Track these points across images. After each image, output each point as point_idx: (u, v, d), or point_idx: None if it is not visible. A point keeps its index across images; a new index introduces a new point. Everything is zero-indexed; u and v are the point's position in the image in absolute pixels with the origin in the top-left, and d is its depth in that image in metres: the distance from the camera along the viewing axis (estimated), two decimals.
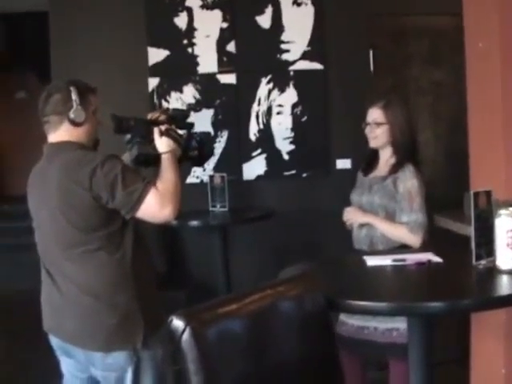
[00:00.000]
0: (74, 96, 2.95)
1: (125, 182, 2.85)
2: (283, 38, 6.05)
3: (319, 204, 6.02)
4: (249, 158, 6.10)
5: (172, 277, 6.02)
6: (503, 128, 3.67)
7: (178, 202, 2.96)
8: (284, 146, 6.09)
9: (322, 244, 5.86)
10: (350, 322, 3.66)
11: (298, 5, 6.02)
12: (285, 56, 6.05)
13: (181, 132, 3.25)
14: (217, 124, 6.05)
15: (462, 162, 4.18)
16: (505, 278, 2.79)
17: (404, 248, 3.62)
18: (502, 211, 2.84)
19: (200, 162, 3.47)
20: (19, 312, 6.42)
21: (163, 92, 6.04)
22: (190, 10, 6.03)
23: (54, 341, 3.09)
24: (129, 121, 3.15)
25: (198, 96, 6.06)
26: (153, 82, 6.04)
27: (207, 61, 6.05)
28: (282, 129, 6.07)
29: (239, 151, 6.10)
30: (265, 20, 6.05)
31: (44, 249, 3.06)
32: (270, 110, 6.08)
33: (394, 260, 3.09)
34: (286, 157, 6.09)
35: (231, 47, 6.05)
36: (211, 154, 3.59)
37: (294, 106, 6.08)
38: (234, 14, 6.04)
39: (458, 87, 5.05)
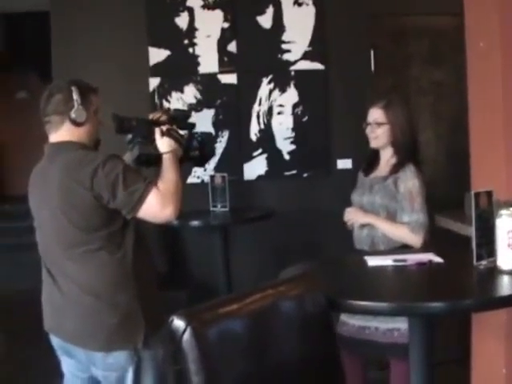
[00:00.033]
0: (75, 96, 2.95)
1: (126, 181, 2.85)
2: (284, 38, 6.04)
3: (320, 204, 6.02)
4: (249, 157, 6.10)
5: (173, 277, 6.02)
6: (504, 128, 3.66)
7: (179, 202, 2.96)
8: (285, 146, 6.09)
9: (323, 244, 5.86)
10: (350, 322, 3.66)
11: (299, 5, 6.02)
12: (286, 56, 6.05)
13: (182, 132, 3.25)
14: (218, 124, 6.05)
15: (463, 162, 4.18)
16: (506, 279, 2.79)
17: (405, 248, 3.62)
18: (503, 211, 2.84)
19: (201, 162, 3.47)
20: (20, 312, 6.43)
21: (164, 92, 6.04)
22: (191, 10, 6.03)
23: (55, 340, 3.09)
24: (130, 121, 3.15)
25: (198, 96, 6.06)
26: (154, 82, 6.04)
27: (208, 61, 6.05)
28: (283, 129, 6.07)
29: (240, 151, 6.10)
30: (266, 20, 6.05)
31: (45, 248, 3.06)
32: (270, 109, 6.08)
33: (395, 260, 3.09)
34: (286, 157, 6.09)
35: (232, 47, 6.05)
36: (212, 154, 3.59)
37: (294, 106, 6.07)
38: (235, 14, 6.04)
39: (458, 87, 5.06)
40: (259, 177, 6.12)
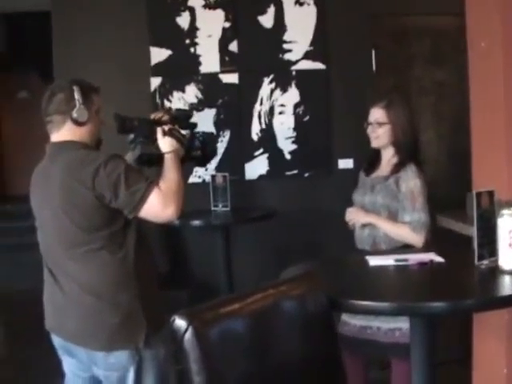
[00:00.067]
0: (76, 95, 2.95)
1: (128, 181, 2.85)
2: (285, 37, 6.05)
3: (321, 204, 6.02)
4: (251, 157, 6.10)
5: (174, 276, 6.02)
6: (506, 127, 3.66)
7: (180, 202, 2.96)
8: (286, 145, 6.09)
9: (324, 244, 5.86)
10: (352, 322, 3.66)
11: (301, 4, 6.02)
12: (287, 56, 6.05)
13: (184, 132, 3.25)
14: (219, 124, 6.06)
15: (465, 162, 4.18)
16: (507, 278, 2.79)
17: (407, 248, 3.62)
18: (505, 211, 2.84)
19: (203, 162, 3.46)
20: (21, 311, 6.43)
21: (165, 92, 6.04)
22: (192, 10, 6.03)
23: (56, 340, 3.09)
24: (132, 121, 3.15)
25: (200, 96, 6.06)
26: (155, 82, 6.04)
27: (209, 60, 6.05)
28: (284, 128, 6.07)
29: (241, 151, 6.10)
30: (267, 20, 6.05)
31: (46, 248, 3.06)
32: (272, 109, 6.08)
33: (397, 260, 3.10)
34: (288, 156, 6.10)
35: (233, 47, 6.05)
36: (214, 154, 3.58)
37: (296, 106, 6.08)
38: (237, 14, 6.04)
39: (460, 87, 5.06)
40: (260, 176, 6.12)
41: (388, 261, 3.10)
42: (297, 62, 6.05)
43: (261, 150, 6.09)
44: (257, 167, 6.10)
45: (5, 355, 5.95)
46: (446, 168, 6.11)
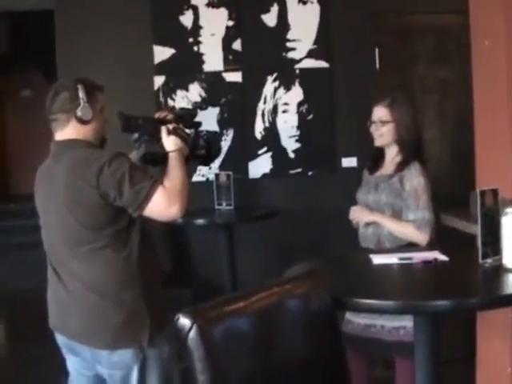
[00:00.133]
0: (81, 94, 2.96)
1: (132, 180, 2.85)
2: (289, 36, 6.04)
3: (325, 202, 6.01)
4: (254, 156, 6.10)
5: (178, 275, 6.02)
6: (509, 125, 3.66)
7: (185, 201, 2.96)
8: (290, 144, 6.09)
9: (328, 242, 5.86)
10: (356, 321, 3.66)
11: (304, 3, 6.02)
12: (290, 54, 6.05)
13: (188, 131, 3.25)
14: (222, 122, 6.05)
15: (468, 160, 4.18)
16: (511, 277, 2.79)
17: (411, 246, 3.62)
18: (509, 209, 2.84)
19: (207, 161, 3.46)
20: (25, 310, 6.45)
21: (169, 90, 6.04)
22: (195, 9, 6.03)
23: (60, 339, 3.10)
24: (137, 119, 3.15)
25: (203, 94, 6.06)
26: (158, 81, 6.04)
27: (213, 59, 6.05)
28: (288, 127, 6.07)
29: (245, 149, 6.10)
30: (270, 18, 6.05)
31: (50, 246, 3.07)
32: (275, 108, 6.07)
33: (400, 258, 3.09)
34: (291, 155, 6.09)
35: (237, 45, 6.05)
36: (219, 153, 3.58)
37: (299, 105, 6.07)
38: (240, 12, 6.03)
39: (463, 85, 5.05)
40: (264, 175, 6.12)
41: (392, 259, 3.10)
42: (300, 60, 6.05)
43: (264, 149, 6.09)
44: (260, 166, 6.10)
45: (9, 354, 5.96)
46: (449, 166, 6.11)
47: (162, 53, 6.02)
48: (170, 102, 5.98)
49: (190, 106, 5.91)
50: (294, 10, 6.02)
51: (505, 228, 2.84)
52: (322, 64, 6.05)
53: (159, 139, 3.11)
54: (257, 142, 6.09)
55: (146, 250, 2.99)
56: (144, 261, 2.97)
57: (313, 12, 6.03)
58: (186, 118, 3.30)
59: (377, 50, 6.07)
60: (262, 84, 6.06)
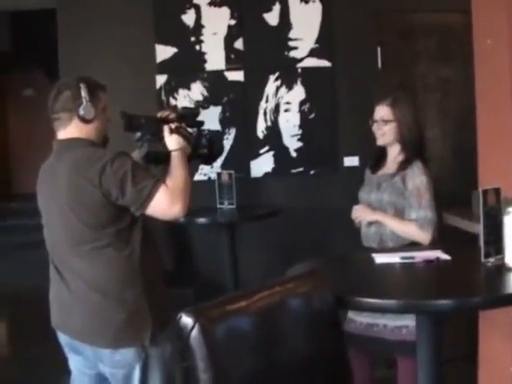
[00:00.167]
0: (83, 93, 2.96)
1: (135, 179, 2.85)
2: (291, 35, 6.04)
3: (327, 201, 6.01)
4: (256, 155, 6.10)
5: (179, 274, 6.03)
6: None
7: (187, 200, 2.96)
8: (292, 143, 6.09)
9: (330, 241, 5.86)
10: (358, 320, 3.66)
11: (306, 2, 6.02)
12: (292, 53, 6.05)
13: (191, 130, 3.25)
14: (224, 121, 6.06)
15: (470, 159, 4.17)
16: None
17: (413, 245, 3.62)
18: (511, 209, 2.84)
19: (210, 160, 3.46)
20: (27, 309, 6.45)
21: (171, 89, 6.04)
22: (197, 7, 6.03)
23: (62, 338, 3.10)
24: (139, 119, 3.15)
25: (205, 93, 6.06)
26: (160, 80, 6.04)
27: (215, 58, 6.05)
28: (290, 126, 6.07)
29: (247, 148, 6.10)
30: (272, 17, 6.05)
31: (53, 245, 3.07)
32: (277, 107, 6.07)
33: (403, 257, 3.09)
34: (293, 154, 6.09)
35: (239, 44, 6.05)
36: (221, 152, 3.57)
37: (301, 104, 6.07)
38: (242, 12, 6.03)
39: (466, 84, 5.05)
40: (266, 174, 6.12)
41: (394, 258, 3.10)
42: (302, 59, 6.05)
43: (266, 148, 6.09)
44: (262, 165, 6.10)
45: (11, 353, 5.97)
46: (451, 165, 6.10)
47: (164, 52, 6.03)
48: (172, 101, 5.99)
49: (192, 105, 5.91)
50: (296, 9, 6.03)
51: (507, 227, 2.84)
52: (324, 63, 6.05)
53: (162, 138, 3.11)
54: (259, 141, 6.09)
55: (148, 249, 2.99)
56: (146, 259, 2.97)
57: (315, 11, 6.03)
58: (188, 117, 3.30)
59: (379, 49, 6.06)
60: (264, 83, 6.06)
